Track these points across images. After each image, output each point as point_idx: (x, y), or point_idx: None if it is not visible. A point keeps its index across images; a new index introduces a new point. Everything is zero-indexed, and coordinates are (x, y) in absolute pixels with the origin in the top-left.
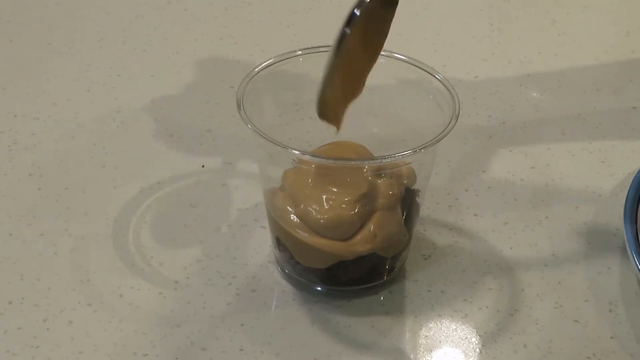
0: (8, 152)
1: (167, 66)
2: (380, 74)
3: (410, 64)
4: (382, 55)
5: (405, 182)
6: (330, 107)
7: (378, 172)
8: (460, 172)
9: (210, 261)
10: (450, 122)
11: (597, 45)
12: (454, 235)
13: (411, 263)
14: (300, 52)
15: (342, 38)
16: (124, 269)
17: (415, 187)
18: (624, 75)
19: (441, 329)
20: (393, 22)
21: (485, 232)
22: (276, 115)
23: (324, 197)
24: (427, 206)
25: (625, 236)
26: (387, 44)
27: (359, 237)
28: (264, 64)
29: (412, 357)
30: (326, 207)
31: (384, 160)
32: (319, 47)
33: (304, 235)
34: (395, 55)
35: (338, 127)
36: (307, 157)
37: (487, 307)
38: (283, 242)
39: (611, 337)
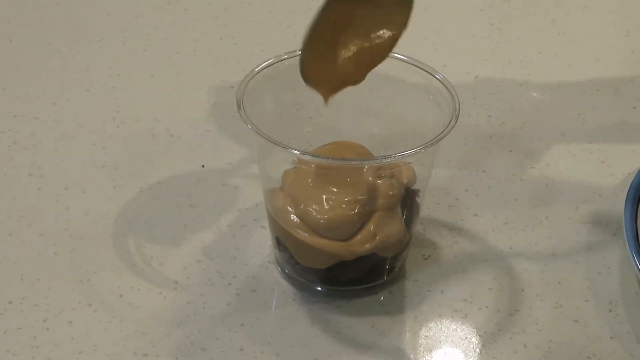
0: (8, 152)
1: (167, 66)
2: (380, 74)
3: (410, 64)
4: None
5: (405, 182)
6: (309, 66)
7: (378, 172)
8: (460, 172)
9: (210, 261)
10: (450, 122)
11: (597, 45)
12: (454, 235)
13: (411, 263)
14: (300, 52)
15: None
16: (124, 269)
17: (415, 187)
18: (624, 75)
19: (441, 329)
20: None
21: (485, 232)
22: (276, 115)
23: (324, 197)
24: (427, 206)
25: (625, 236)
26: None
27: (359, 237)
28: (264, 64)
29: (412, 357)
30: (326, 207)
31: (384, 160)
32: None
33: (304, 235)
34: (395, 55)
35: (325, 98)
36: (307, 157)
37: (487, 307)
38: (283, 242)
39: (611, 337)
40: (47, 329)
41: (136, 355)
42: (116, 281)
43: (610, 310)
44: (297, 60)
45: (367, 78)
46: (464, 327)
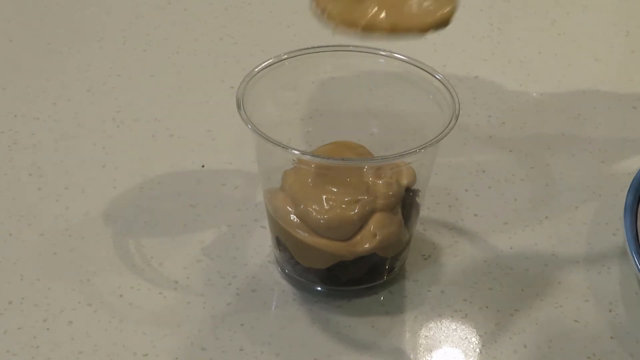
0: (8, 152)
1: (167, 66)
2: (380, 74)
3: (410, 64)
4: (382, 55)
5: (405, 182)
6: None
7: (378, 172)
8: (460, 172)
9: (210, 261)
10: (450, 122)
11: (597, 45)
12: (454, 235)
13: (411, 263)
14: (300, 52)
15: None
16: (124, 269)
17: (415, 187)
18: (624, 75)
19: (441, 329)
20: None
21: (485, 232)
22: (276, 115)
23: (324, 197)
24: (427, 206)
25: (625, 236)
26: (386, 44)
27: (359, 237)
28: (264, 64)
29: (412, 357)
30: (326, 207)
31: (384, 160)
32: (318, 47)
33: (304, 235)
34: (395, 55)
35: (332, 26)
36: (307, 157)
37: (487, 307)
38: (283, 242)
39: (611, 337)
40: (47, 329)
41: (136, 355)
42: (116, 281)
43: (610, 310)
44: (297, 60)
45: (366, 78)
46: (464, 327)
